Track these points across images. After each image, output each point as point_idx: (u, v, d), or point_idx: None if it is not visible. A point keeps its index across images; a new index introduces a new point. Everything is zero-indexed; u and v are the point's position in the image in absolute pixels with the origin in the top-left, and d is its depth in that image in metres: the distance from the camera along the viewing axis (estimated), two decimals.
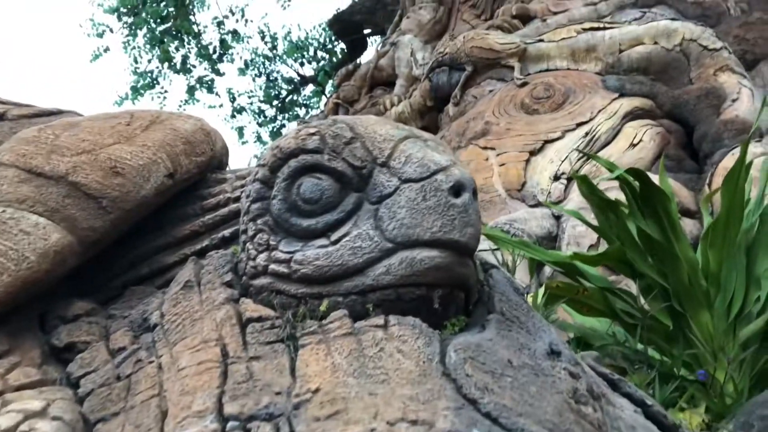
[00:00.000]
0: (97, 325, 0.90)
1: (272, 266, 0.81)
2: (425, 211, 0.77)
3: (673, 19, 4.29)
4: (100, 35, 10.44)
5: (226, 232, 1.01)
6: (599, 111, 4.06)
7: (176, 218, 1.04)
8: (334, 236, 0.79)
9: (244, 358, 0.71)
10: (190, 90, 11.09)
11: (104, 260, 1.01)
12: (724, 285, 1.81)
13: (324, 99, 10.35)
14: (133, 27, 10.34)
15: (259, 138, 12.03)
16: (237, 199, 1.02)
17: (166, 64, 10.75)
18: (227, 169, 1.21)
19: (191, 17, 10.66)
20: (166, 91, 11.05)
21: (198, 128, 1.08)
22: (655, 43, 4.17)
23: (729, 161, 3.58)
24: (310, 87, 11.95)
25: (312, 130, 0.83)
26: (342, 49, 11.47)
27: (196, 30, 10.80)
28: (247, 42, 11.87)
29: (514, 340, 0.74)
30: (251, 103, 11.94)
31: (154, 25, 10.41)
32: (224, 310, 0.79)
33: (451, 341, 0.71)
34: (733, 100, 3.85)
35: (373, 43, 10.78)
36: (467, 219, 0.78)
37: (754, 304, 1.80)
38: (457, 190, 0.78)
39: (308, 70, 11.98)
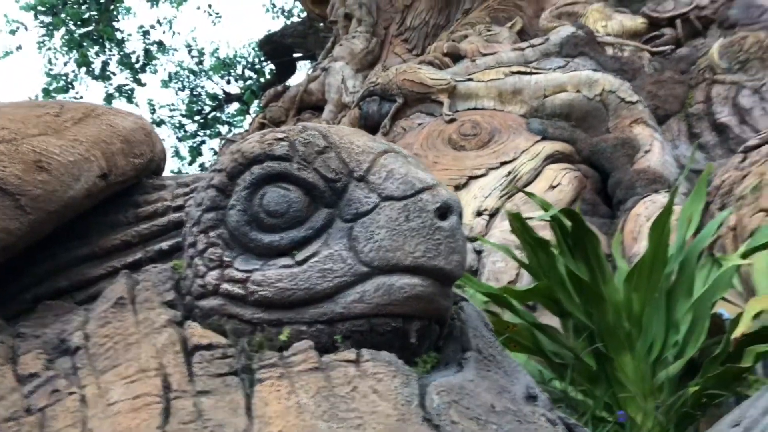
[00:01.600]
0: (2, 345, 0.75)
1: (225, 286, 0.71)
2: (408, 233, 0.69)
3: (594, 70, 4.51)
4: (13, 32, 9.84)
5: (165, 245, 0.89)
6: (522, 152, 4.19)
7: (106, 226, 0.91)
8: (301, 255, 0.70)
9: (191, 392, 0.60)
10: (108, 98, 10.60)
11: (14, 268, 0.86)
12: (645, 328, 1.85)
13: (248, 118, 10.16)
14: (51, 27, 9.80)
15: (177, 153, 11.63)
16: (178, 209, 0.90)
17: (83, 69, 10.24)
18: (164, 175, 1.10)
19: (114, 23, 10.23)
20: (81, 97, 10.51)
21: (138, 127, 0.97)
22: (578, 91, 4.36)
23: (640, 208, 3.78)
24: (235, 105, 11.72)
25: (280, 135, 0.74)
26: (271, 70, 11.36)
27: (120, 37, 10.36)
28: (173, 54, 11.52)
29: (494, 381, 0.68)
30: (172, 117, 11.54)
31: (73, 28, 9.91)
32: (166, 334, 0.67)
33: (431, 382, 0.64)
34: (646, 151, 4.07)
35: (303, 67, 10.74)
36: (454, 245, 0.71)
37: (672, 348, 1.85)
38: (443, 212, 0.72)
39: (234, 88, 11.76)
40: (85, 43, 10.08)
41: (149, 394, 0.60)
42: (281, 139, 0.73)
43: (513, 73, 4.63)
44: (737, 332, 1.52)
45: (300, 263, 0.70)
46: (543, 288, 1.70)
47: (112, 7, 10.12)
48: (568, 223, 1.66)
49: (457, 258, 0.72)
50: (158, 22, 11.10)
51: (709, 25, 5.09)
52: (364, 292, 0.69)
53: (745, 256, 1.63)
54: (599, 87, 4.33)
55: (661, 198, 3.63)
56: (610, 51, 4.98)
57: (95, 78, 10.53)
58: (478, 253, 3.68)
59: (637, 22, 5.22)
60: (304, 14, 10.02)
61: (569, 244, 1.69)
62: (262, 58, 11.35)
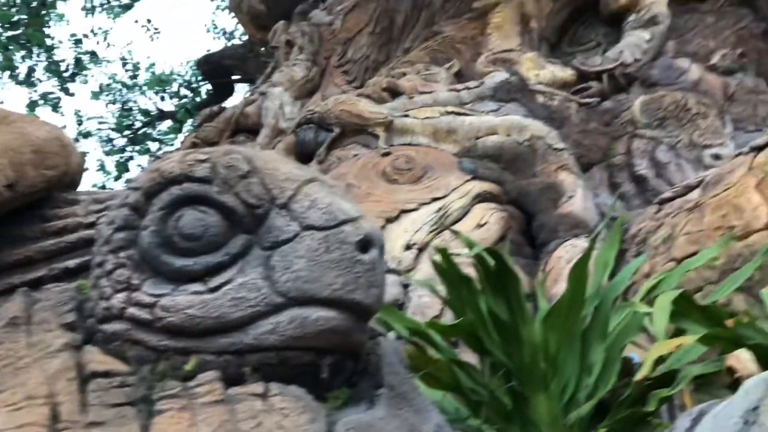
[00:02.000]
0: None
1: (131, 310, 0.67)
2: (327, 264, 0.68)
3: (525, 116, 4.68)
4: None
5: (72, 263, 0.83)
6: (453, 189, 4.28)
7: (8, 239, 0.85)
8: (214, 282, 0.67)
9: (81, 423, 0.56)
10: (32, 105, 10.14)
11: None
12: (560, 368, 1.90)
13: (181, 136, 9.94)
14: None
15: (102, 167, 11.21)
16: (90, 226, 0.85)
17: (7, 73, 9.77)
18: (79, 190, 1.04)
19: (45, 29, 9.85)
20: (1, 102, 10.00)
21: (53, 137, 0.92)
22: (508, 135, 4.52)
23: (561, 251, 3.92)
24: (168, 122, 11.45)
25: (203, 157, 0.72)
26: (208, 90, 11.21)
27: (49, 43, 9.97)
28: (106, 66, 11.18)
29: (404, 420, 0.67)
30: (100, 130, 11.14)
31: (0, 30, 9.47)
32: (60, 359, 0.63)
33: (340, 419, 0.62)
34: (570, 197, 4.24)
35: (240, 90, 10.66)
36: (373, 279, 0.70)
37: (584, 389, 1.90)
38: (365, 244, 0.71)
39: (168, 106, 11.50)
40: (11, 47, 9.65)
41: (35, 424, 0.55)
42: (203, 161, 0.71)
43: (448, 113, 4.76)
44: (639, 376, 1.58)
45: (212, 290, 0.67)
46: (466, 325, 1.72)
47: (43, 12, 9.76)
48: (491, 262, 1.71)
49: (375, 292, 0.71)
50: (92, 31, 10.78)
51: (633, 82, 5.41)
52: (277, 323, 0.67)
53: (651, 302, 1.71)
54: (529, 132, 4.50)
55: (582, 243, 3.78)
56: (540, 99, 5.19)
57: (19, 83, 10.08)
58: (405, 286, 3.71)
59: (567, 73, 5.48)
60: (245, 37, 9.98)
61: (491, 282, 1.73)
62: (199, 78, 11.18)
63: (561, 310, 1.74)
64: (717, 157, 4.60)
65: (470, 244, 1.88)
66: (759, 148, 3.00)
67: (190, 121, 10.57)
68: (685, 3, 6.08)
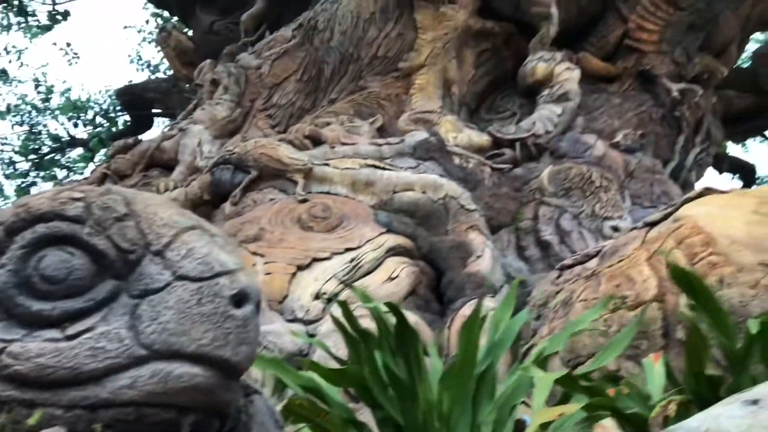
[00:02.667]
0: None
1: None
2: (197, 317, 0.65)
3: (441, 176, 4.82)
4: None
5: None
6: (367, 241, 4.30)
7: None
8: (72, 329, 0.62)
9: None
10: None
11: None
12: (453, 428, 1.91)
13: (92, 166, 9.54)
14: None
15: (1, 191, 10.52)
16: None
17: None
18: None
19: None
20: None
21: None
22: (424, 192, 4.62)
23: (467, 309, 3.99)
24: (79, 150, 10.97)
25: (77, 195, 0.68)
26: (126, 122, 10.87)
27: None
28: (16, 86, 10.66)
29: None
30: (2, 152, 10.52)
31: None
32: None
33: None
34: (478, 257, 4.35)
35: (161, 124, 10.43)
36: (245, 335, 0.68)
37: None
38: (240, 299, 0.68)
39: (81, 133, 11.03)
40: None
41: None
42: (77, 199, 0.67)
43: (368, 165, 4.83)
44: None
45: (69, 338, 0.62)
46: (354, 374, 1.70)
47: None
48: (391, 317, 1.71)
49: (245, 350, 0.69)
50: (5, 49, 10.31)
51: (543, 152, 5.72)
52: (137, 377, 0.63)
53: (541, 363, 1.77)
54: (443, 192, 4.62)
55: (487, 302, 3.87)
56: (457, 160, 5.37)
57: None
58: (311, 336, 3.65)
59: (483, 139, 5.72)
60: (171, 72, 9.82)
61: (390, 338, 1.73)
62: (118, 108, 10.85)
63: (454, 370, 1.76)
64: (615, 229, 4.89)
65: (367, 299, 1.88)
66: (652, 224, 3.20)
67: (103, 151, 10.17)
68: (594, 83, 6.55)
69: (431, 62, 6.28)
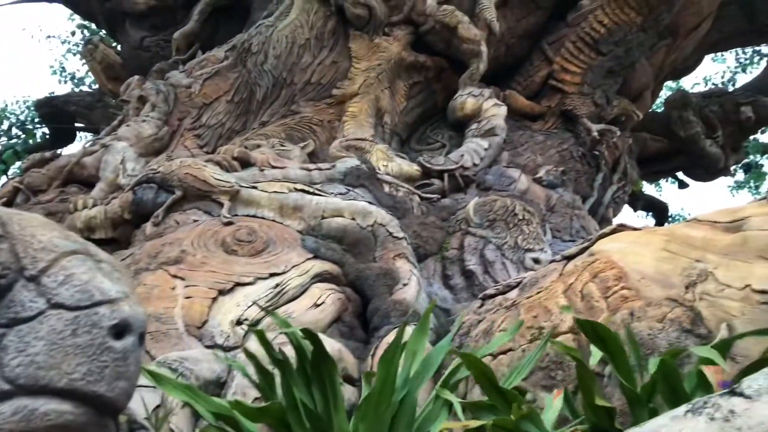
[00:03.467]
0: None
1: None
2: (71, 349, 0.60)
3: (370, 203, 4.83)
4: None
5: None
6: (293, 266, 4.23)
7: None
8: None
9: None
10: None
11: None
12: None
13: (5, 179, 9.03)
14: None
15: None
16: None
17: None
18: None
19: None
20: None
21: None
22: (353, 218, 4.62)
23: (391, 337, 3.98)
24: None
25: None
26: (44, 134, 10.39)
27: None
28: None
29: None
30: None
31: None
32: None
33: None
34: (404, 284, 4.37)
35: (82, 139, 10.04)
36: (123, 369, 0.63)
37: None
38: (120, 330, 0.64)
39: None
40: None
41: None
42: None
43: (297, 190, 4.78)
44: None
45: None
46: (275, 409, 1.65)
47: None
48: (309, 345, 1.68)
49: (123, 385, 0.64)
50: None
51: (470, 184, 5.86)
52: None
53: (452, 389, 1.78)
54: (372, 218, 4.63)
55: (409, 329, 3.88)
56: (386, 188, 5.42)
57: None
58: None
59: (413, 168, 5.81)
60: (96, 86, 9.49)
61: (307, 367, 1.70)
62: (37, 120, 10.36)
63: (372, 399, 1.74)
64: (536, 261, 5.03)
65: (287, 325, 1.85)
66: (569, 258, 3.31)
67: (18, 164, 9.65)
68: (520, 120, 6.81)
69: (364, 91, 6.35)
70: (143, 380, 2.59)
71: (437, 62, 6.64)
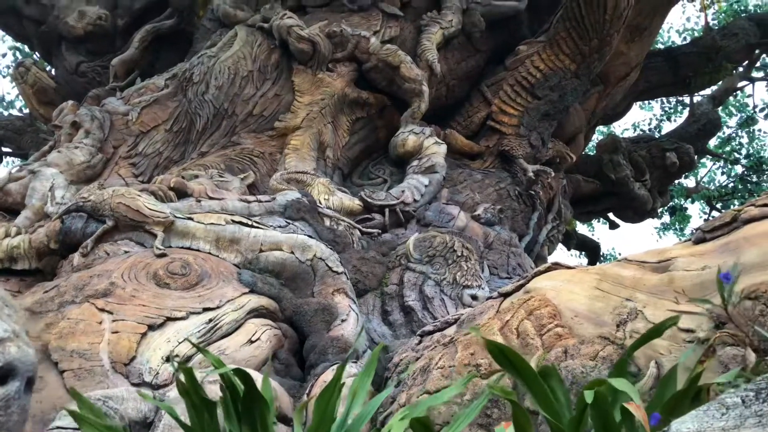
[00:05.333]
0: None
1: None
2: None
3: (310, 236, 4.78)
4: None
5: None
6: (228, 301, 4.10)
7: None
8: None
9: None
10: None
11: None
12: None
13: None
14: None
15: None
16: None
17: None
18: None
19: None
20: None
21: None
22: (292, 252, 4.55)
23: (328, 375, 3.89)
24: None
25: None
26: None
27: None
28: None
29: None
30: None
31: None
32: None
33: None
34: (342, 320, 4.31)
35: (10, 164, 9.61)
36: (3, 420, 0.56)
37: None
38: (4, 374, 0.57)
39: None
40: None
41: None
42: None
43: (234, 222, 4.68)
44: None
45: None
46: None
47: None
48: (240, 384, 1.62)
49: None
50: None
51: (411, 219, 5.90)
52: None
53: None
54: (311, 252, 4.58)
55: (349, 367, 3.81)
56: (327, 222, 5.39)
57: None
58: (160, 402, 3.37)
59: (354, 203, 5.81)
60: (27, 110, 9.13)
61: (239, 407, 1.63)
62: None
63: None
64: (474, 297, 5.08)
65: (218, 363, 1.78)
66: (505, 295, 3.35)
67: None
68: (459, 159, 6.96)
69: (307, 125, 6.35)
70: (65, 421, 2.42)
71: (380, 99, 6.74)
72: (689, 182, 14.79)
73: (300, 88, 6.45)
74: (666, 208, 13.87)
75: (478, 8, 7.35)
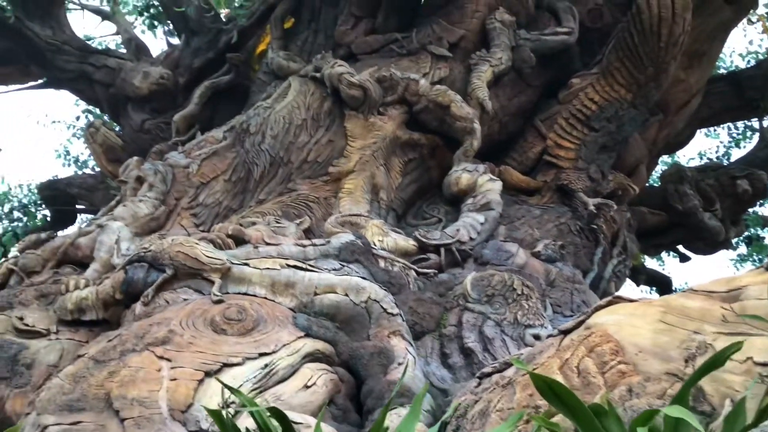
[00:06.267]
0: None
1: None
2: None
3: (364, 278, 4.75)
4: None
5: None
6: (284, 345, 4.09)
7: None
8: None
9: None
10: None
11: None
12: None
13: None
14: None
15: None
16: None
17: None
18: None
19: None
20: None
21: None
22: (346, 294, 4.53)
23: (386, 420, 3.80)
24: None
25: None
26: (45, 216, 10.47)
27: None
28: None
29: None
30: None
31: None
32: None
33: None
34: (399, 364, 4.21)
35: (84, 221, 10.11)
36: None
37: None
38: None
39: None
40: None
41: None
42: None
43: (289, 266, 4.71)
44: None
45: None
46: None
47: None
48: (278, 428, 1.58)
49: None
50: None
51: (467, 258, 5.79)
52: None
53: None
54: (366, 294, 4.54)
55: (402, 412, 3.70)
56: (382, 264, 5.35)
57: None
58: None
59: (408, 243, 5.76)
60: (98, 168, 9.64)
61: None
62: (39, 203, 10.47)
63: None
64: (537, 337, 4.89)
65: (250, 404, 1.74)
66: (566, 332, 3.20)
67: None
68: (516, 195, 6.83)
69: (360, 168, 6.41)
70: None
71: (431, 140, 6.75)
72: (765, 210, 14.03)
73: (352, 133, 6.54)
74: (742, 238, 13.14)
75: (527, 44, 7.32)
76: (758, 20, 11.37)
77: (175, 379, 3.77)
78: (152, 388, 3.64)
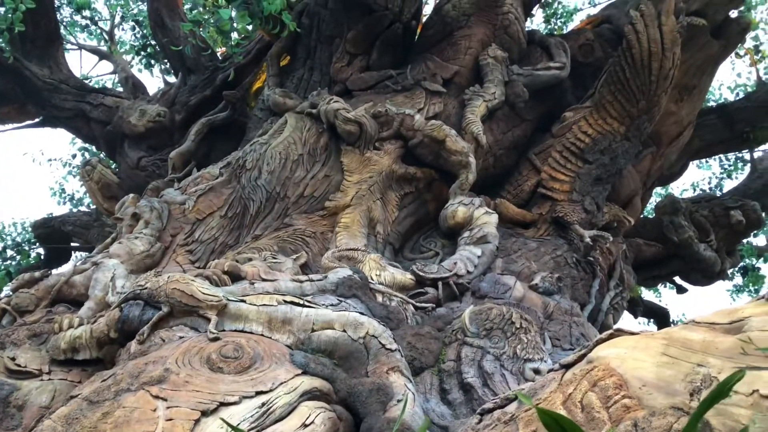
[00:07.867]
0: None
1: None
2: None
3: (362, 313, 4.71)
4: None
5: None
6: (281, 383, 4.02)
7: None
8: None
9: None
10: None
11: None
12: None
13: None
14: None
15: None
16: None
17: None
18: None
19: None
20: None
21: None
22: (344, 330, 4.47)
23: None
24: None
25: None
26: (38, 254, 10.40)
27: None
28: None
29: None
30: None
31: None
32: None
33: None
34: (398, 400, 4.14)
35: (79, 258, 10.04)
36: None
37: None
38: None
39: None
40: None
41: None
42: None
43: (286, 302, 4.66)
44: None
45: None
46: None
47: None
48: None
49: None
50: None
51: (465, 292, 5.76)
52: None
53: None
54: (364, 330, 4.48)
55: None
56: (380, 298, 5.32)
57: None
58: None
59: (406, 277, 5.73)
60: (95, 206, 9.62)
61: None
62: (33, 240, 10.41)
63: None
64: (537, 371, 4.83)
65: None
66: (567, 366, 3.16)
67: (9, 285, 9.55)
68: (512, 228, 6.84)
69: (356, 202, 6.42)
70: None
71: (427, 173, 6.78)
72: (759, 240, 14.07)
73: (349, 167, 6.57)
74: (737, 269, 13.16)
75: (520, 79, 7.43)
76: (746, 53, 11.60)
77: (171, 419, 3.69)
78: (147, 429, 3.56)
